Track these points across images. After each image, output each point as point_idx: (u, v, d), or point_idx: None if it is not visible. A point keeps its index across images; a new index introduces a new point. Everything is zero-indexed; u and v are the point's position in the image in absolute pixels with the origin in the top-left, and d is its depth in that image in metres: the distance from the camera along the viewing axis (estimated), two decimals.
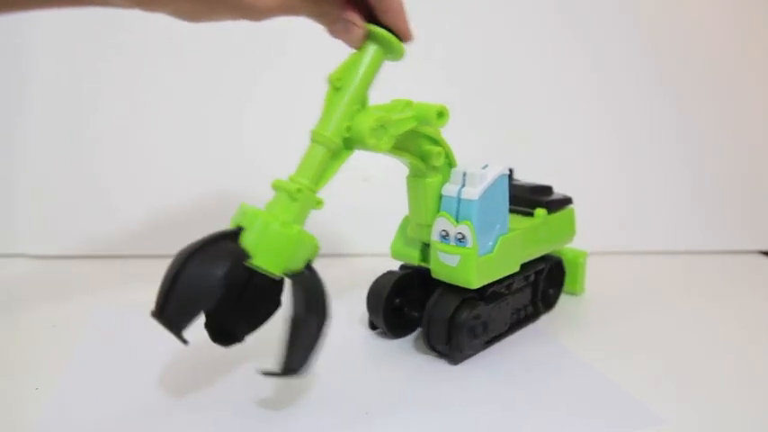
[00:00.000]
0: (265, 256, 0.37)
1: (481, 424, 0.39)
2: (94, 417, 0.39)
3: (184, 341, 0.35)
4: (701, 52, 0.79)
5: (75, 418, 0.39)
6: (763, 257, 0.79)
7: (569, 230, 0.56)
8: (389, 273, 0.50)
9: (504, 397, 0.42)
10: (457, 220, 0.45)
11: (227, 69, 0.74)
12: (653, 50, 0.79)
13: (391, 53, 0.42)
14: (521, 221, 0.51)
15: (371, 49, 0.41)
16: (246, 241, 0.37)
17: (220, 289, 0.35)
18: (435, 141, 0.45)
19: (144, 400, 0.41)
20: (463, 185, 0.45)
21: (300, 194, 0.38)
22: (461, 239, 0.44)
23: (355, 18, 0.40)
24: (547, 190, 0.56)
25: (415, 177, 0.47)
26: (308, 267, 0.39)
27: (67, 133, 0.71)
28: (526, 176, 0.77)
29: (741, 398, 0.43)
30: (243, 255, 0.36)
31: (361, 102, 0.41)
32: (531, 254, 0.51)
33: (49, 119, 0.71)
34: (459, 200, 0.45)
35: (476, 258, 0.44)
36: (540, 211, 0.52)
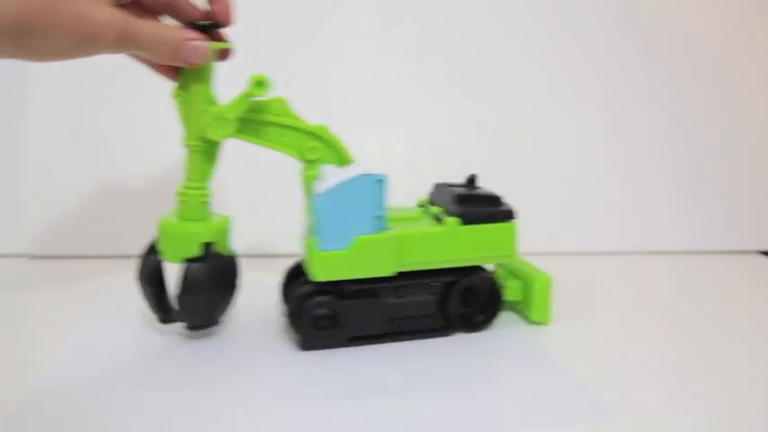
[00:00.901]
0: (164, 250, 0.48)
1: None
2: (94, 416, 0.39)
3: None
4: (701, 52, 0.79)
5: (74, 418, 0.39)
6: (763, 257, 0.79)
7: (502, 247, 0.51)
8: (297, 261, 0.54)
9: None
10: (310, 214, 0.48)
11: (228, 69, 0.74)
12: (653, 50, 0.79)
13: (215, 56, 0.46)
14: (431, 228, 0.50)
15: None
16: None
17: (148, 287, 0.48)
18: (314, 136, 0.48)
19: (144, 400, 0.41)
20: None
21: (183, 196, 0.47)
22: (312, 232, 0.47)
23: (197, 36, 0.43)
24: (488, 200, 0.51)
25: (301, 170, 0.50)
26: (211, 250, 0.47)
27: (68, 133, 0.71)
28: (526, 176, 0.78)
29: (741, 398, 0.43)
30: (153, 252, 0.49)
31: (208, 102, 0.46)
32: (425, 262, 0.49)
33: (49, 119, 0.71)
34: (314, 194, 0.47)
35: (316, 252, 0.46)
36: (450, 221, 0.50)
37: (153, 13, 0.46)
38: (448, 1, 0.76)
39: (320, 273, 0.47)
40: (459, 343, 0.51)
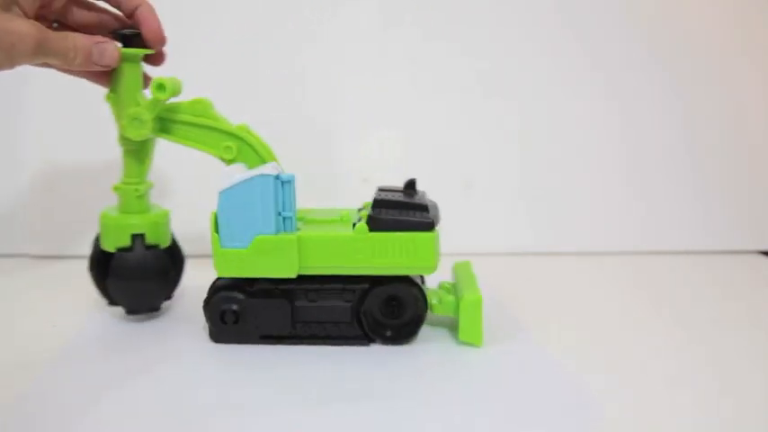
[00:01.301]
0: (102, 240, 0.52)
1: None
2: (94, 416, 0.39)
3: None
4: (701, 52, 0.79)
5: (74, 418, 0.39)
6: (763, 257, 0.79)
7: (417, 258, 0.48)
8: None
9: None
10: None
11: (229, 70, 0.74)
12: (653, 50, 0.79)
13: (142, 60, 0.50)
14: (333, 232, 0.49)
15: (124, 65, 0.49)
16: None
17: (91, 272, 0.53)
18: (231, 136, 0.50)
19: (144, 400, 0.41)
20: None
21: (119, 191, 0.52)
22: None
23: (105, 40, 0.46)
24: (405, 207, 0.48)
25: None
26: (139, 241, 0.51)
27: (68, 133, 0.71)
28: (525, 176, 0.78)
29: (741, 398, 0.43)
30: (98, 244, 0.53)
31: (135, 104, 0.49)
32: (329, 267, 0.48)
33: (49, 119, 0.71)
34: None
35: (218, 249, 0.47)
36: (359, 226, 0.48)
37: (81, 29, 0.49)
38: (448, 1, 0.76)
39: (221, 269, 0.48)
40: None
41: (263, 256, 0.47)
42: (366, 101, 0.76)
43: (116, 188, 0.52)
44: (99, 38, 0.46)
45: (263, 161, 0.50)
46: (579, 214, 0.78)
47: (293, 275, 0.48)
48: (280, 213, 0.48)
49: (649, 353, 0.50)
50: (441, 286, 0.54)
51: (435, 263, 0.48)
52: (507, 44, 0.77)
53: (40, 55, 0.42)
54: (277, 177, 0.47)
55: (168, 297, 0.55)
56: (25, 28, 0.41)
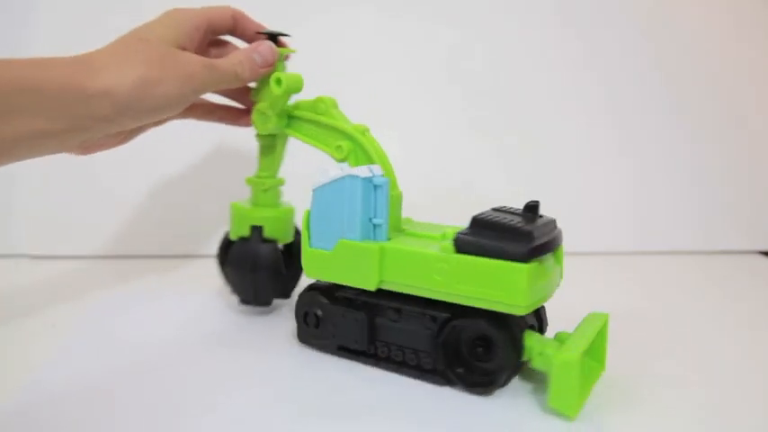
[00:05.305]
0: (231, 228, 0.54)
1: None
2: (93, 416, 0.39)
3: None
4: (702, 53, 0.79)
5: (74, 417, 0.39)
6: (763, 257, 0.79)
7: (502, 293, 0.39)
8: None
9: None
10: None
11: None
12: (654, 51, 0.79)
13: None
14: (417, 247, 0.43)
15: None
16: None
17: (220, 263, 0.56)
18: (344, 135, 0.49)
19: (143, 400, 0.41)
20: None
21: (250, 183, 0.54)
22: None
23: (258, 43, 0.50)
24: (502, 229, 0.40)
25: None
26: (256, 233, 0.52)
27: None
28: (525, 177, 0.78)
29: (742, 398, 0.43)
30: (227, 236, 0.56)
31: (264, 101, 0.51)
32: (409, 286, 0.43)
33: None
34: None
35: (307, 248, 0.46)
36: (446, 246, 0.41)
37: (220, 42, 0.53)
38: (448, 1, 0.76)
39: (308, 270, 0.47)
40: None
41: (344, 261, 0.44)
42: (365, 101, 0.76)
43: (249, 180, 0.54)
44: (252, 45, 0.49)
45: (371, 162, 0.48)
46: (579, 214, 0.78)
47: (372, 288, 0.44)
48: (370, 219, 0.44)
49: (649, 353, 0.50)
50: (557, 336, 0.43)
51: (527, 301, 0.39)
52: (506, 45, 0.77)
53: (214, 80, 0.45)
54: (367, 180, 0.44)
55: (285, 295, 0.55)
56: (195, 58, 0.44)
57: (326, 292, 0.47)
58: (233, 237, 0.54)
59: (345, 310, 0.46)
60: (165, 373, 0.45)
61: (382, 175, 0.45)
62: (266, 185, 0.53)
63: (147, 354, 0.47)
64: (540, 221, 0.42)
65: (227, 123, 0.56)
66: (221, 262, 0.56)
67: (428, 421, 0.39)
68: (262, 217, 0.53)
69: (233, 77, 0.47)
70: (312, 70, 0.68)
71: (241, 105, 0.56)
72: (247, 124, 0.54)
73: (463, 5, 0.76)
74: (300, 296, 0.48)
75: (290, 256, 0.54)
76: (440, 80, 0.77)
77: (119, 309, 0.56)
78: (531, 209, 0.42)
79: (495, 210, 0.44)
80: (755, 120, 0.81)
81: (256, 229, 0.52)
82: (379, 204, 0.44)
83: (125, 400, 0.41)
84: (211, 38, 0.51)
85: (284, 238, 0.54)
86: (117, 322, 0.53)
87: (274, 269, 0.52)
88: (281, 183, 0.55)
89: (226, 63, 0.47)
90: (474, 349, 0.42)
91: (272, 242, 0.53)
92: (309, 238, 0.46)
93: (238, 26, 0.51)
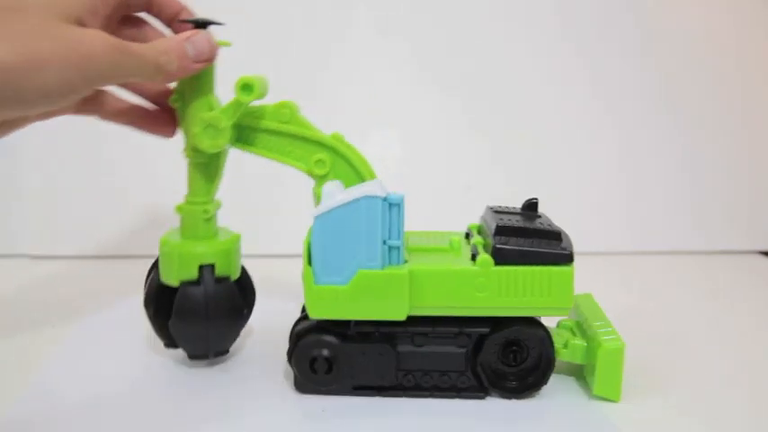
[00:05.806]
0: (162, 271, 0.43)
1: None
2: (93, 416, 0.39)
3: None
4: (701, 53, 0.79)
5: (73, 417, 0.39)
6: (763, 257, 0.79)
7: (551, 298, 0.40)
8: None
9: None
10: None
11: (231, 70, 0.74)
12: (652, 51, 0.79)
13: None
14: (454, 266, 0.40)
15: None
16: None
17: (148, 309, 0.44)
18: (323, 147, 0.43)
19: (141, 401, 0.41)
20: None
21: (183, 211, 0.44)
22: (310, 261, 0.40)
23: (194, 31, 0.40)
24: (537, 234, 0.40)
25: (313, 188, 0.44)
26: (208, 274, 0.42)
27: (68, 132, 0.71)
28: (525, 177, 0.78)
29: (741, 398, 0.43)
30: (156, 278, 0.44)
31: (206, 109, 0.41)
32: (445, 307, 0.40)
33: (48, 118, 0.71)
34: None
35: (312, 285, 0.39)
36: (484, 259, 0.39)
37: (133, 19, 0.42)
38: (449, 1, 0.76)
39: (315, 310, 0.40)
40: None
41: (366, 294, 0.39)
42: (364, 101, 0.76)
43: (179, 208, 0.43)
44: (185, 33, 0.39)
45: (362, 178, 0.42)
46: (578, 215, 0.78)
47: (402, 318, 0.40)
48: (385, 242, 0.39)
49: (648, 353, 0.50)
50: (561, 326, 0.45)
51: (572, 302, 0.40)
52: (505, 45, 0.77)
53: (124, 68, 0.35)
54: (385, 200, 0.39)
55: (235, 338, 0.46)
56: (99, 35, 0.34)
57: (330, 330, 0.41)
58: (172, 281, 0.42)
59: (364, 345, 0.41)
60: (166, 372, 0.45)
61: (395, 193, 0.40)
62: (210, 213, 0.43)
63: (147, 353, 0.47)
64: (550, 223, 0.42)
65: (141, 130, 0.45)
66: (157, 314, 0.44)
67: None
68: (213, 253, 0.42)
69: (153, 69, 0.36)
70: (312, 70, 0.68)
71: (153, 106, 0.45)
72: (169, 135, 0.45)
73: (463, 5, 0.76)
74: (297, 341, 0.41)
75: (244, 292, 0.46)
76: (439, 80, 0.77)
77: (119, 309, 0.56)
78: (531, 206, 0.43)
79: (494, 211, 0.44)
80: (755, 120, 0.81)
81: (207, 269, 0.42)
82: (394, 224, 0.40)
83: (125, 400, 0.41)
84: (124, 13, 0.40)
85: (236, 273, 0.45)
86: (117, 322, 0.53)
87: (237, 311, 0.44)
88: (219, 206, 0.45)
89: (146, 49, 0.36)
90: (507, 356, 0.41)
91: (226, 280, 0.43)
92: (314, 274, 0.39)
93: (155, 1, 0.41)
